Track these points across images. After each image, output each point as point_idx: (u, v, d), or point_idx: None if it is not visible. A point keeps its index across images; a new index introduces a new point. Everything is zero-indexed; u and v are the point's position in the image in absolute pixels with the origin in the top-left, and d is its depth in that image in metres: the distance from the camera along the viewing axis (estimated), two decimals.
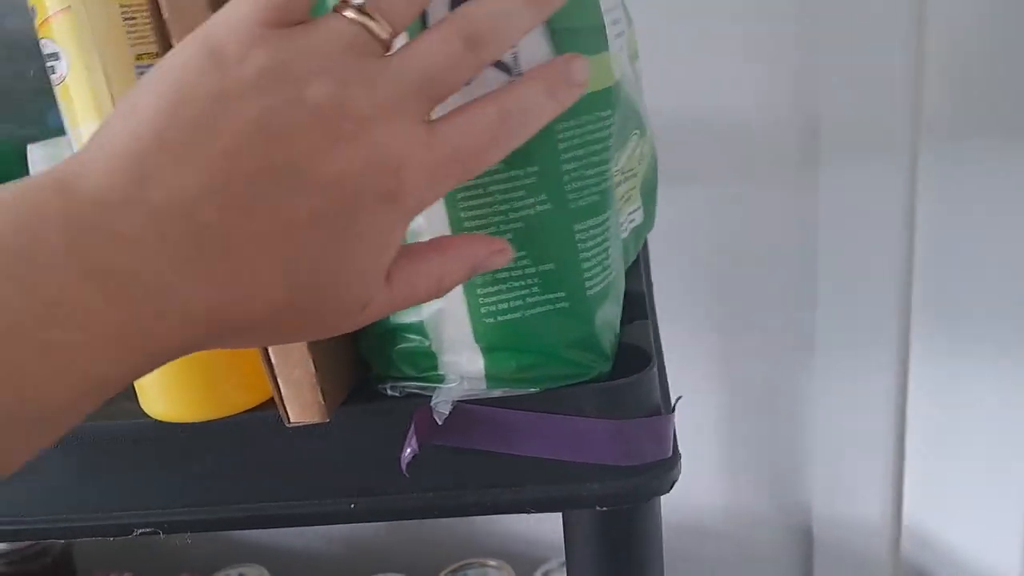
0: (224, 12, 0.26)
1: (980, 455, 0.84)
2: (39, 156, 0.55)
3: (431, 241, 0.31)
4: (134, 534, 0.40)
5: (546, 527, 0.93)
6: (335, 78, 0.26)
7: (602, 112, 0.35)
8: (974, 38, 0.74)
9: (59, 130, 0.36)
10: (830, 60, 0.76)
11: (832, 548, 0.93)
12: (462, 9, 0.28)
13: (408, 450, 0.36)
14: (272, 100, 0.25)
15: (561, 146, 0.34)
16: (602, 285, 0.36)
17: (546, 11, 0.30)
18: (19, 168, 0.62)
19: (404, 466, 0.36)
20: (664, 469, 0.38)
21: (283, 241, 0.25)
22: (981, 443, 0.84)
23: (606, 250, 0.36)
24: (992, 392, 0.81)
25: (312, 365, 0.36)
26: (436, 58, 0.27)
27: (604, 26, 0.35)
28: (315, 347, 0.35)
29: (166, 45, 0.33)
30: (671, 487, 0.38)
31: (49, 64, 0.34)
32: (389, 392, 0.39)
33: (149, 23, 0.34)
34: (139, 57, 0.34)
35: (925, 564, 0.92)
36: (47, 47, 0.34)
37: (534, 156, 0.33)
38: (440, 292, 0.31)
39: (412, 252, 0.30)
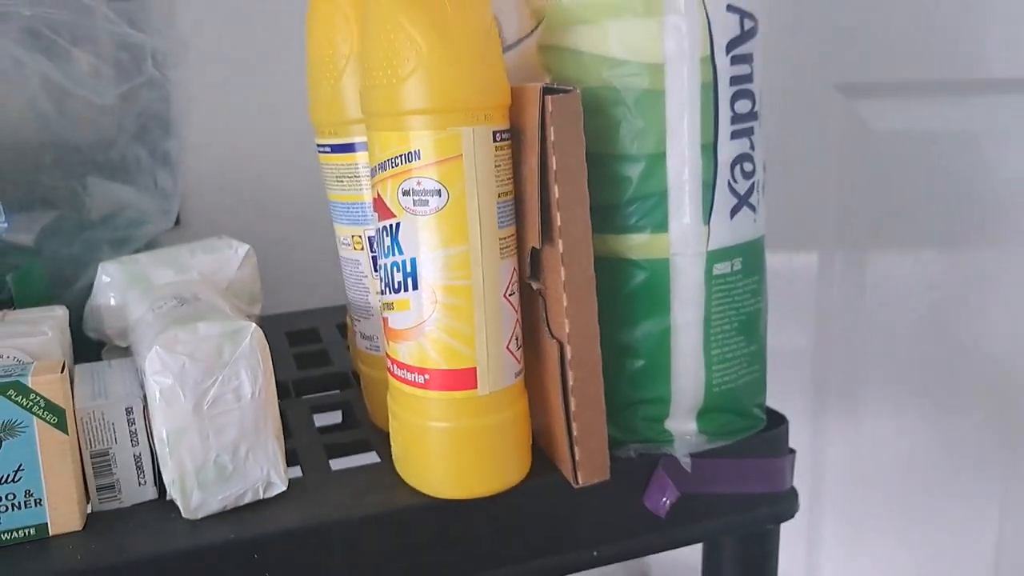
0: None
1: None
2: (115, 275, 0.56)
3: None
4: None
5: None
6: None
7: None
8: None
9: None
10: None
11: None
12: None
13: (666, 499, 0.47)
14: None
15: (766, 259, 0.49)
16: None
17: None
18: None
19: (665, 512, 0.47)
20: (794, 493, 0.53)
21: None
22: None
23: None
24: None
25: (605, 435, 0.45)
26: None
27: None
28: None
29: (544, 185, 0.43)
30: (798, 507, 0.53)
31: (420, 199, 0.41)
32: (620, 455, 0.49)
33: (510, 169, 0.43)
34: (500, 195, 0.43)
35: None
36: (424, 184, 0.41)
37: (757, 267, 0.48)
38: None
39: None
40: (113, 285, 0.56)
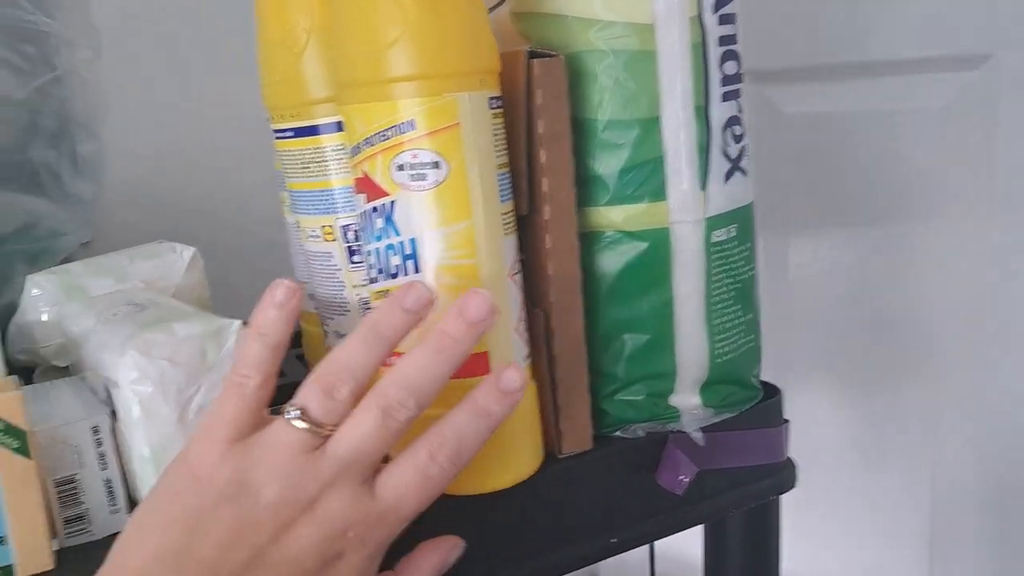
0: (195, 438, 0.34)
1: None
2: (44, 283, 0.51)
3: (397, 571, 0.37)
4: None
5: None
6: (284, 477, 0.33)
7: None
8: None
9: None
10: None
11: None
12: (379, 384, 0.34)
13: (683, 476, 0.46)
14: (238, 507, 0.32)
15: (755, 226, 0.48)
16: None
17: (454, 361, 0.35)
18: None
19: (683, 489, 0.45)
20: (792, 464, 0.53)
21: None
22: None
23: None
24: None
25: (588, 403, 0.44)
26: (360, 433, 0.33)
27: None
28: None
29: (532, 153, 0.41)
30: (797, 477, 0.53)
31: (417, 173, 0.38)
32: (627, 436, 0.47)
33: (505, 139, 0.41)
34: (499, 166, 0.40)
35: None
36: (421, 157, 0.38)
37: (749, 233, 0.47)
38: None
39: None
40: (45, 299, 0.51)
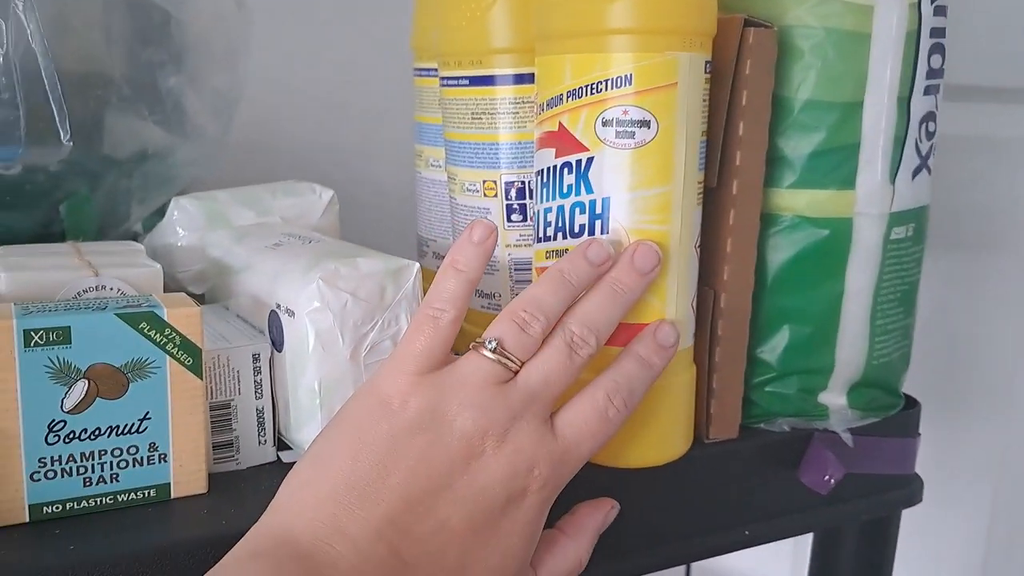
0: (385, 368, 0.33)
1: None
2: (190, 208, 0.50)
3: (560, 528, 0.37)
4: None
5: None
6: (477, 408, 0.32)
7: None
8: None
9: None
10: None
11: None
12: (564, 320, 0.35)
13: (829, 476, 0.44)
14: (431, 435, 0.32)
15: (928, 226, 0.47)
16: None
17: (626, 306, 0.36)
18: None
19: (828, 489, 0.44)
20: (919, 479, 0.51)
21: (448, 549, 0.32)
22: None
23: None
24: None
25: (742, 390, 0.43)
26: (548, 367, 0.34)
27: None
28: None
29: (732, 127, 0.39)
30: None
31: (624, 130, 0.37)
32: (771, 428, 0.46)
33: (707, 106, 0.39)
34: (702, 133, 0.39)
35: None
36: (632, 114, 0.37)
37: (923, 235, 0.46)
38: (580, 569, 0.37)
39: (549, 542, 0.36)
40: (186, 223, 0.50)
